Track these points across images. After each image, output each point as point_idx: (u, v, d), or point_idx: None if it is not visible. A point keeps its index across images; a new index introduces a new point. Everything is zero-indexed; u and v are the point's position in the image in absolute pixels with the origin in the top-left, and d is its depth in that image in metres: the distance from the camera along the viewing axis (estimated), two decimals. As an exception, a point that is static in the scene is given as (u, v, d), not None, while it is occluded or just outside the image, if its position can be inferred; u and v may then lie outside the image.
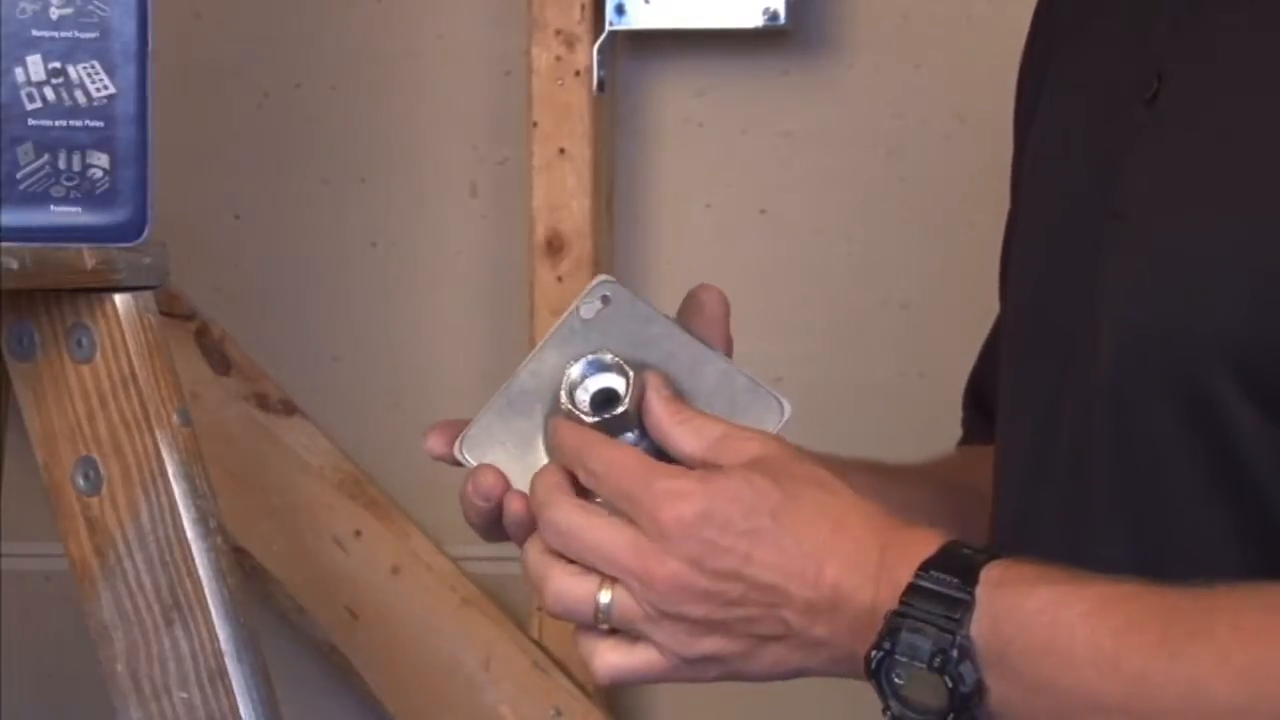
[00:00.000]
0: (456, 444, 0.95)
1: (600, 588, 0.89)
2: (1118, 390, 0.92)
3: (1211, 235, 0.90)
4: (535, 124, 1.77)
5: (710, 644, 0.88)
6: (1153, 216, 0.93)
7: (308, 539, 1.85)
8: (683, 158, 1.85)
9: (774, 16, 1.74)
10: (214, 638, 0.98)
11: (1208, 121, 0.93)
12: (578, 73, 1.76)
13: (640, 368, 0.92)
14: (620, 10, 1.75)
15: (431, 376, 1.88)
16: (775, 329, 1.81)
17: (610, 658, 0.90)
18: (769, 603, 0.87)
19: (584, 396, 0.92)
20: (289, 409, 1.87)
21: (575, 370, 0.93)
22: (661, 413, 0.91)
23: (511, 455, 0.94)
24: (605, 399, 0.92)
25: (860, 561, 0.86)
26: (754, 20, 1.74)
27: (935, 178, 1.79)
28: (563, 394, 0.92)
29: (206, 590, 0.98)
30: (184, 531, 0.98)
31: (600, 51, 1.76)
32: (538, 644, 1.82)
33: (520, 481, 0.93)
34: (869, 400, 1.81)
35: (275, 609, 1.86)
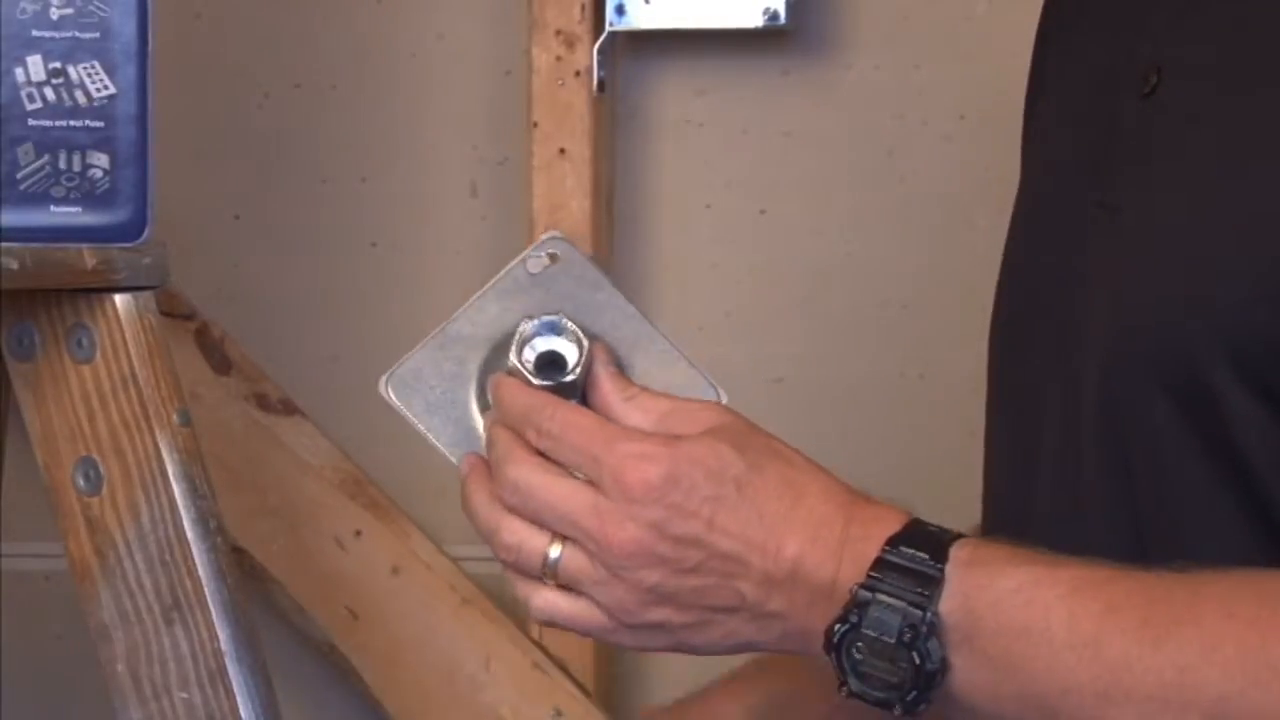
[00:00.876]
0: (382, 380, 0.93)
1: (551, 542, 0.88)
2: (1111, 381, 0.92)
3: (1207, 228, 0.90)
4: (535, 124, 1.77)
5: (659, 613, 0.87)
6: (1148, 209, 0.93)
7: (308, 539, 1.85)
8: (683, 158, 1.84)
9: (774, 16, 1.73)
10: (214, 638, 0.98)
11: (1206, 116, 0.93)
12: (578, 73, 1.76)
13: (588, 336, 0.91)
14: (620, 10, 1.75)
15: (431, 376, 1.88)
16: (775, 329, 1.81)
17: (550, 596, 0.89)
18: (726, 572, 0.86)
19: (530, 355, 0.90)
20: (289, 409, 1.87)
21: (529, 327, 0.91)
22: (609, 388, 0.90)
23: (437, 401, 0.92)
24: (549, 361, 0.90)
25: (823, 536, 0.86)
26: (754, 20, 1.74)
27: (935, 178, 1.79)
28: (513, 351, 0.90)
29: (206, 590, 0.98)
30: (184, 531, 0.98)
31: (600, 52, 1.75)
32: (538, 644, 1.81)
33: (441, 430, 0.92)
34: (869, 400, 1.81)
35: (275, 609, 1.86)
